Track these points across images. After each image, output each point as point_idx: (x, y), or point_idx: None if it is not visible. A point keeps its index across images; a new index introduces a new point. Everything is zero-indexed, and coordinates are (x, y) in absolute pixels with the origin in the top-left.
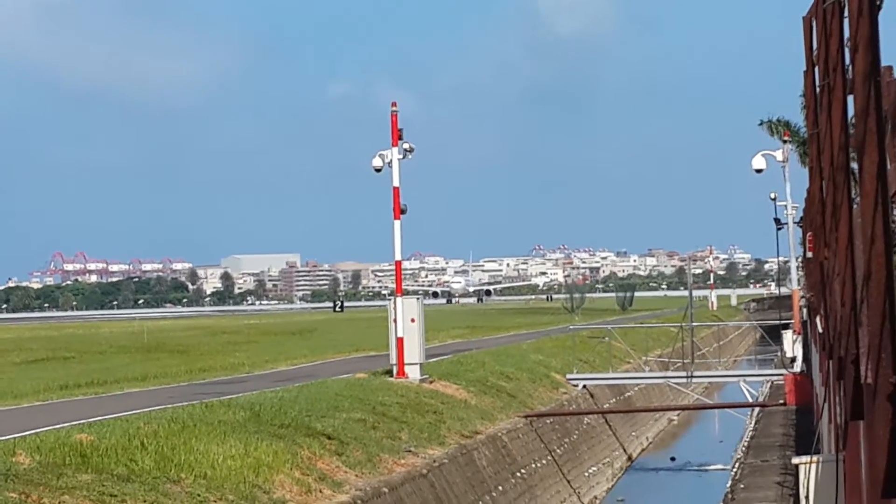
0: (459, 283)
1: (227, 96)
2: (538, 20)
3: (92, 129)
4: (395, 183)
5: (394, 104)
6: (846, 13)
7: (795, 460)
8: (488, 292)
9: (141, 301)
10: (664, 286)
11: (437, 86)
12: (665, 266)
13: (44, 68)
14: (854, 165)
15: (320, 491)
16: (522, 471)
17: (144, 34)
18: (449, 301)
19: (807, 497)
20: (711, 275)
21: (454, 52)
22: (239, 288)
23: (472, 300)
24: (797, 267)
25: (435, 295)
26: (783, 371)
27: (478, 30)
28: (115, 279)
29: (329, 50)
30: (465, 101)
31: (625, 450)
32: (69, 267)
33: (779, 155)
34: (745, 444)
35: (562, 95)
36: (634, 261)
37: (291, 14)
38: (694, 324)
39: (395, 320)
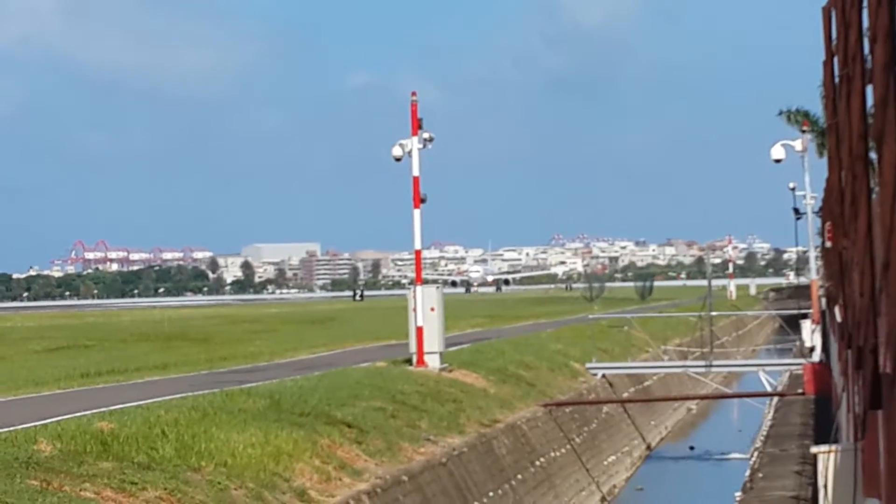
0: (478, 272)
1: (249, 86)
2: (559, 10)
3: (113, 118)
4: (415, 172)
5: (413, 94)
6: (865, 3)
7: (814, 449)
8: (507, 281)
9: (161, 290)
10: (683, 275)
11: (458, 76)
12: (684, 255)
13: (65, 57)
14: (873, 155)
15: (340, 479)
16: (541, 459)
17: (167, 23)
18: (467, 290)
19: (825, 486)
20: (730, 264)
21: (476, 42)
22: (259, 277)
23: (491, 289)
24: (816, 256)
25: (453, 284)
26: (802, 361)
27: (499, 20)
28: (135, 268)
29: (351, 40)
30: (486, 91)
31: (644, 439)
32: (90, 255)
33: (797, 145)
34: (764, 433)
35: (582, 85)
36: (653, 250)
37: (314, 3)
38: (713, 313)
39: (414, 309)
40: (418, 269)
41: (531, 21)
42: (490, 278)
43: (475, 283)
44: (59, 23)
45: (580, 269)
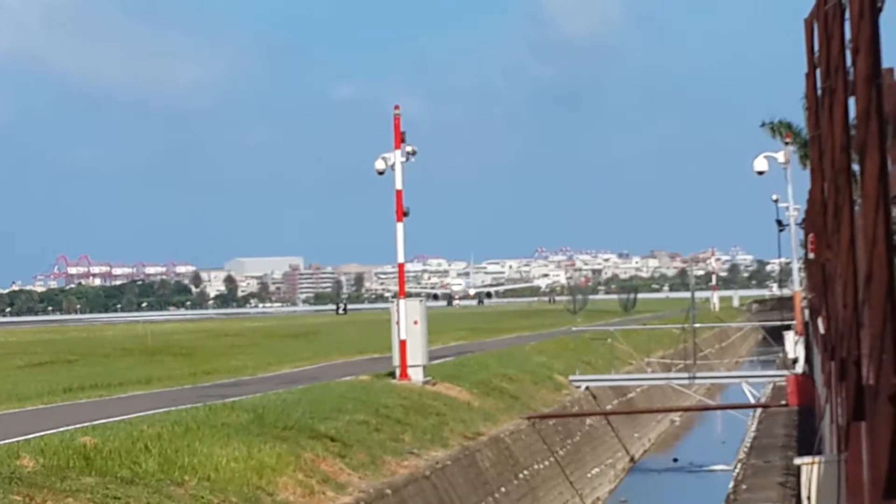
0: (460, 284)
1: (233, 99)
2: (546, 21)
3: (96, 132)
4: (398, 186)
5: (396, 107)
6: (847, 15)
7: (797, 461)
8: (489, 294)
9: (144, 304)
10: (666, 288)
11: (444, 88)
12: (667, 268)
13: (49, 71)
14: (856, 167)
15: (323, 493)
16: (525, 472)
17: (151, 37)
18: (449, 303)
19: (808, 498)
20: (713, 276)
21: (463, 53)
22: (242, 291)
23: (473, 302)
24: (799, 268)
25: (435, 297)
26: (785, 372)
27: (486, 32)
28: (118, 282)
29: (338, 52)
30: (471, 103)
31: (627, 451)
32: (73, 270)
33: (780, 157)
34: (748, 444)
35: (567, 97)
36: (636, 262)
37: (300, 17)
38: (696, 325)
39: (398, 322)
40: (401, 283)
41: (518, 32)
42: (472, 291)
43: (457, 297)
44: (44, 35)
45: (563, 281)
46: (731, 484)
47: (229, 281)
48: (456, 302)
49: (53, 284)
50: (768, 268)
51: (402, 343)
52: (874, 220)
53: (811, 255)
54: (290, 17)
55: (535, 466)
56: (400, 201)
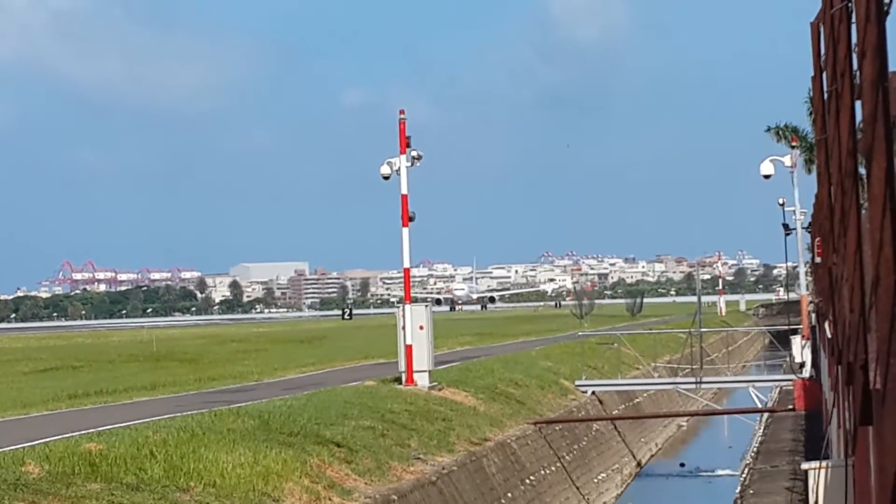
0: (463, 289)
1: (239, 104)
2: (552, 27)
3: (101, 137)
4: (404, 190)
5: (402, 112)
6: (854, 19)
7: (805, 466)
8: (492, 299)
9: (149, 310)
10: (673, 292)
11: (450, 92)
12: (673, 272)
13: (53, 75)
14: (862, 171)
15: (329, 499)
16: (531, 477)
17: (156, 42)
18: (452, 308)
19: (816, 503)
20: (720, 280)
21: (468, 58)
22: (248, 296)
23: (476, 307)
24: (806, 272)
25: (438, 302)
26: (792, 376)
27: (492, 36)
28: (123, 288)
29: (344, 57)
30: (477, 108)
31: (634, 456)
32: (78, 276)
33: (787, 160)
34: (755, 449)
35: (572, 101)
36: (643, 267)
37: (306, 21)
38: (703, 329)
39: (403, 328)
40: (407, 288)
41: (525, 36)
42: (475, 296)
43: (460, 301)
44: (49, 40)
45: (570, 286)
46: (738, 489)
47: (234, 286)
48: (459, 307)
49: (58, 290)
50: (775, 272)
51: (408, 348)
52: (881, 223)
53: (818, 259)
54: (296, 21)
55: (542, 472)
56: (405, 206)
